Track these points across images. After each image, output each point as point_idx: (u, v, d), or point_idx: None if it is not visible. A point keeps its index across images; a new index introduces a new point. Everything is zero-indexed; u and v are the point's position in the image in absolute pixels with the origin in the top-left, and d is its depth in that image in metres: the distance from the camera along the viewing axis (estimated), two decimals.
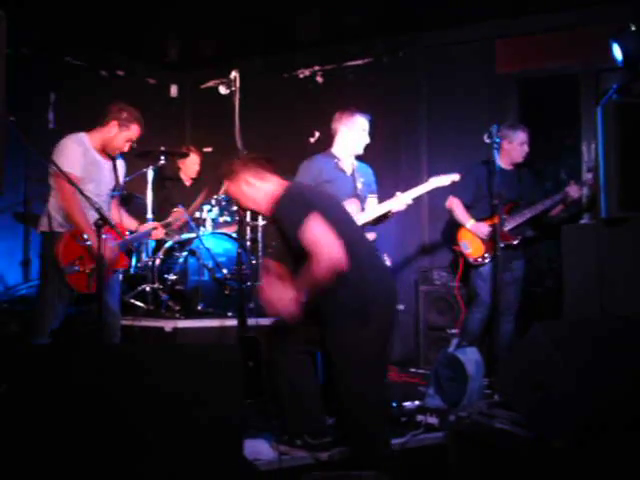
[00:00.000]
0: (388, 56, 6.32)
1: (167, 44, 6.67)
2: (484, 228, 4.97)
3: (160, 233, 4.43)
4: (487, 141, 4.67)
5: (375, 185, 4.58)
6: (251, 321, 4.47)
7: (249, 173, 3.29)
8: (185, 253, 5.00)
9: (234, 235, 5.24)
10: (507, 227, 4.96)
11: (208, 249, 5.03)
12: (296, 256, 3.12)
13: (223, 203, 5.37)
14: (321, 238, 2.94)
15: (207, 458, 2.46)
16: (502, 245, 4.88)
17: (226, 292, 5.00)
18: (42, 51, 5.92)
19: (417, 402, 4.09)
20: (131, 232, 4.28)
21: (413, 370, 5.39)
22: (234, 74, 3.85)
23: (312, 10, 5.76)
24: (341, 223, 3.13)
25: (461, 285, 5.27)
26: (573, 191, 4.91)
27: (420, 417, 3.75)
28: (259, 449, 3.26)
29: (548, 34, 5.64)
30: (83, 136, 4.00)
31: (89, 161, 3.95)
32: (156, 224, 4.40)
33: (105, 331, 3.97)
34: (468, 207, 5.08)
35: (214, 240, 5.16)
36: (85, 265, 3.86)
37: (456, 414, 3.58)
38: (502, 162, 5.01)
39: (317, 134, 4.89)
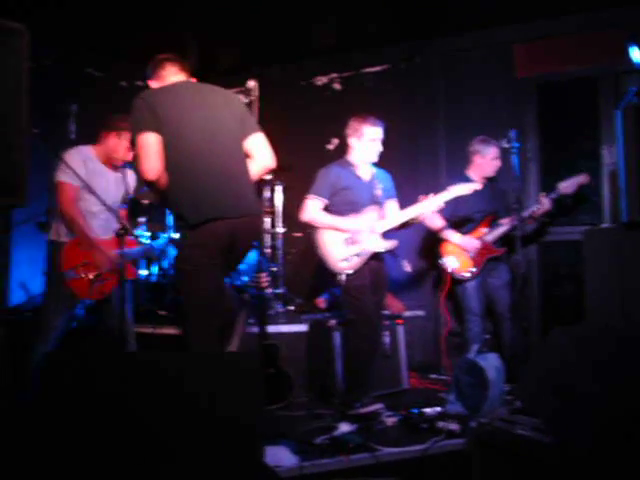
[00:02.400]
0: (405, 62, 6.32)
1: (185, 54, 6.72)
2: (473, 242, 4.98)
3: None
4: (506, 146, 4.67)
5: (394, 191, 4.60)
6: (271, 328, 4.49)
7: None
8: None
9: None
10: (489, 239, 4.99)
11: None
12: None
13: None
14: (139, 152, 3.21)
15: (228, 465, 2.47)
16: (488, 257, 4.92)
17: (246, 299, 5.02)
18: (63, 63, 5.99)
19: (438, 408, 4.08)
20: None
21: (434, 376, 5.38)
22: (252, 83, 3.88)
23: (329, 18, 5.78)
24: (180, 138, 3.25)
25: (447, 301, 5.25)
26: (546, 203, 4.93)
27: (441, 423, 3.73)
28: (280, 456, 3.26)
29: (566, 37, 5.61)
30: (86, 148, 4.10)
31: (90, 171, 4.00)
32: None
33: (118, 339, 4.00)
34: (446, 220, 5.07)
35: None
36: (88, 271, 3.92)
37: (477, 420, 3.57)
38: (474, 176, 5.05)
39: (336, 141, 4.90)
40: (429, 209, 4.35)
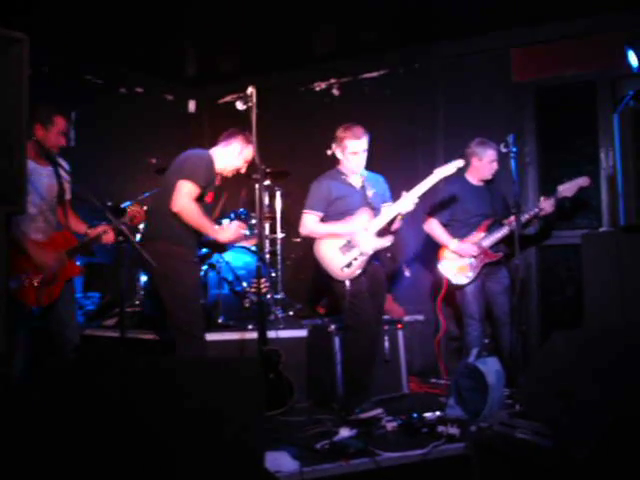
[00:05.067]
0: (404, 67, 6.34)
1: (185, 61, 6.75)
2: (470, 249, 4.94)
3: (111, 237, 4.06)
4: (504, 150, 4.68)
5: (389, 194, 4.59)
6: (271, 334, 4.49)
7: None
8: (205, 267, 5.03)
9: (253, 248, 5.28)
10: (486, 244, 4.96)
11: (228, 262, 5.07)
12: None
13: (242, 217, 5.41)
14: None
15: (229, 471, 2.47)
16: (485, 263, 4.91)
17: (246, 305, 5.03)
18: (62, 70, 6.00)
19: (438, 413, 4.08)
20: (80, 236, 4.09)
21: (434, 381, 5.38)
22: (250, 90, 3.87)
23: (328, 24, 5.79)
24: None
25: (443, 305, 5.23)
26: (547, 205, 4.91)
27: (441, 428, 3.73)
28: (280, 461, 3.26)
29: (564, 42, 5.62)
30: None
31: None
32: (106, 227, 4.03)
33: (61, 345, 3.93)
34: (445, 225, 5.06)
35: (233, 254, 5.20)
36: (31, 278, 3.74)
37: (477, 424, 3.58)
38: (472, 178, 5.06)
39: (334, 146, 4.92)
40: (405, 207, 4.30)
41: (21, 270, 3.71)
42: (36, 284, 3.75)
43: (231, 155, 4.23)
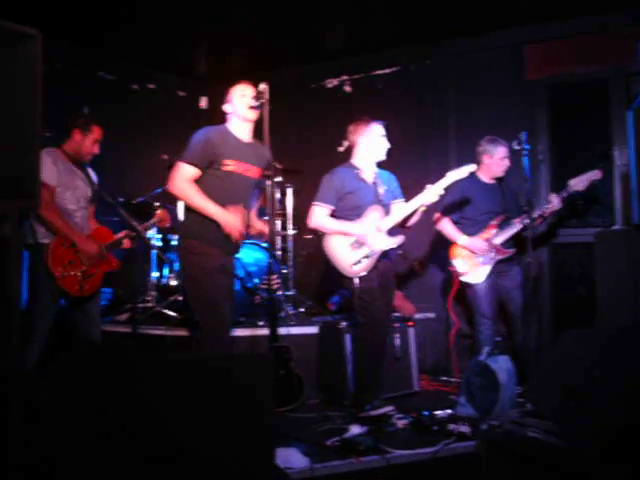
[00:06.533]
0: (416, 64, 6.33)
1: (197, 57, 6.76)
2: (480, 243, 4.93)
3: (128, 243, 4.36)
4: (516, 148, 4.66)
5: (399, 191, 4.58)
6: (282, 330, 4.50)
7: None
8: None
9: (264, 244, 5.28)
10: (498, 240, 4.93)
11: (239, 259, 5.07)
12: None
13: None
14: None
15: (239, 467, 2.48)
16: (497, 260, 4.88)
17: (257, 301, 5.04)
18: (75, 66, 6.03)
19: (449, 411, 4.08)
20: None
21: (445, 378, 5.37)
22: (263, 86, 3.87)
23: (339, 20, 5.79)
24: None
25: (454, 303, 5.20)
26: (556, 201, 4.87)
27: (452, 426, 3.73)
28: (291, 457, 3.27)
29: (577, 39, 5.59)
30: (52, 150, 4.07)
31: (61, 170, 4.05)
32: (127, 232, 4.33)
33: (84, 340, 4.12)
34: (455, 223, 5.05)
35: (245, 250, 5.20)
36: (76, 269, 4.01)
37: (488, 423, 3.56)
38: (483, 176, 5.03)
39: (347, 143, 4.91)
40: (429, 199, 4.28)
41: (66, 262, 3.96)
42: (80, 274, 4.02)
43: (238, 102, 4.03)
